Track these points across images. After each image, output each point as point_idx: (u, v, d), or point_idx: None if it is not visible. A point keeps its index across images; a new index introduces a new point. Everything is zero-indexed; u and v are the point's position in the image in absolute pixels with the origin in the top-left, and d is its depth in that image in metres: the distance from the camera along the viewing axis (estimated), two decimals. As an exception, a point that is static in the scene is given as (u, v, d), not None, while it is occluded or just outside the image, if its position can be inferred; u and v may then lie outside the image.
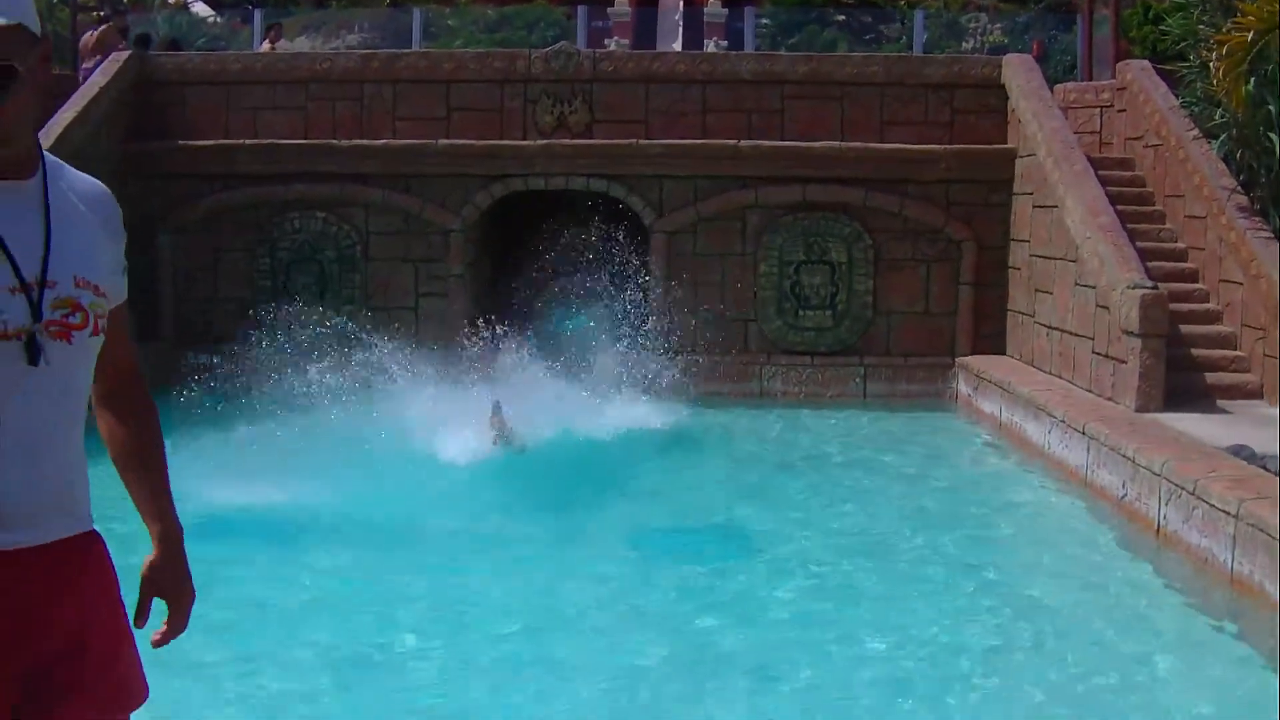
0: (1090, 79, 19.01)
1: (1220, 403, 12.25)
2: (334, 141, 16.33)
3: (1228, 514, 8.44)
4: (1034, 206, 15.03)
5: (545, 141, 16.29)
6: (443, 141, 16.25)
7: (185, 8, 34.74)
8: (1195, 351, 12.89)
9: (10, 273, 2.62)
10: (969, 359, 15.68)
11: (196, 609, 3.10)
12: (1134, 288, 12.21)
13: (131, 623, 2.95)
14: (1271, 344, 12.24)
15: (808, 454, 13.34)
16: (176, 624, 3.04)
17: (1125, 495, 10.24)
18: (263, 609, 8.18)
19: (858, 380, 16.06)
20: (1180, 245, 14.32)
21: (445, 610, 8.20)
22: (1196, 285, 13.79)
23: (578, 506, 10.57)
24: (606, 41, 29.29)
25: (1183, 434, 10.71)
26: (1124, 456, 10.34)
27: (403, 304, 16.47)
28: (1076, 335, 13.53)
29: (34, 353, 2.62)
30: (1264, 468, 9.31)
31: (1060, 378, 13.85)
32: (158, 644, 3.02)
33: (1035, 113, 15.24)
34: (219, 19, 32.81)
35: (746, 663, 7.25)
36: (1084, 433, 11.35)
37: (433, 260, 16.44)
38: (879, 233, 16.14)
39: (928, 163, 15.94)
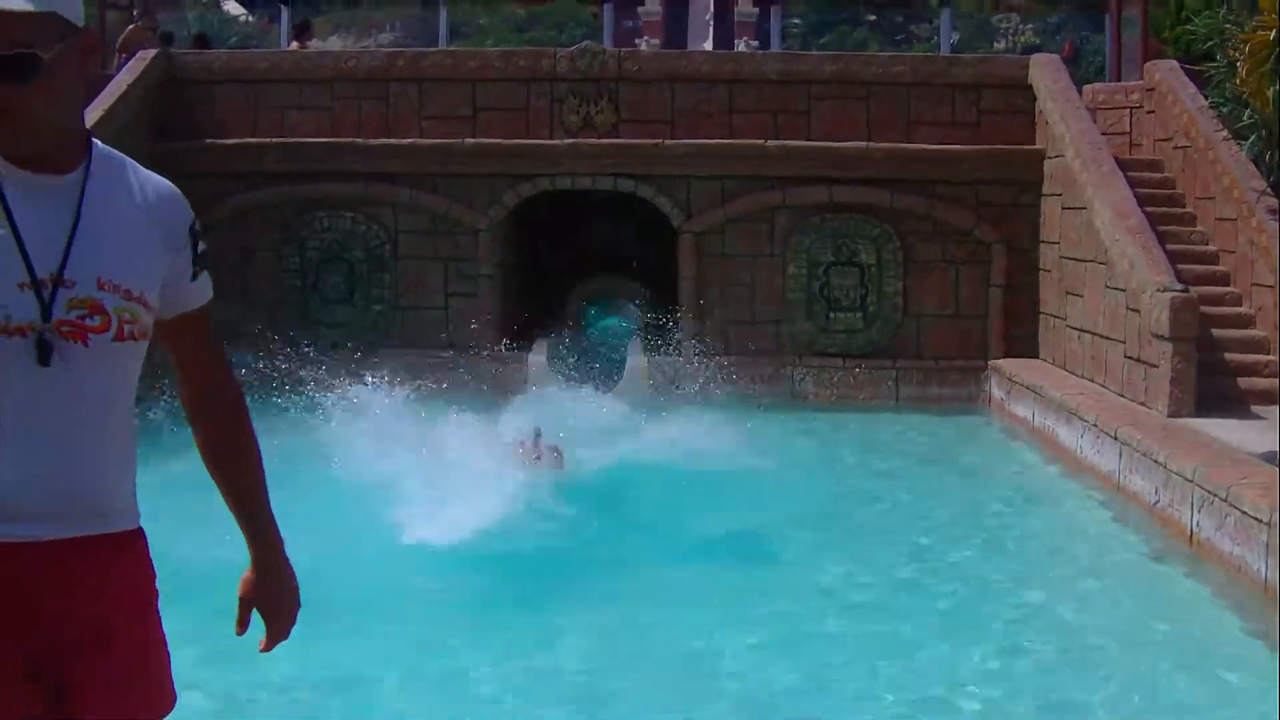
0: (1119, 79, 18.86)
1: (1253, 408, 12.11)
2: (361, 140, 16.31)
3: (1260, 521, 8.33)
4: (1063, 208, 14.91)
5: (572, 141, 16.24)
6: (469, 141, 16.22)
7: (217, 5, 34.85)
8: (1228, 356, 12.75)
9: (22, 268, 2.54)
10: (1001, 362, 15.57)
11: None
12: (1164, 291, 12.08)
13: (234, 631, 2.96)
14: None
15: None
16: (276, 635, 3.00)
17: (1158, 502, 10.13)
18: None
19: (890, 383, 15.96)
20: (1211, 248, 14.18)
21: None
22: (1228, 289, 13.65)
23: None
24: (636, 41, 29.30)
25: (1215, 439, 10.59)
26: (1156, 462, 10.24)
27: (432, 303, 16.45)
28: (1108, 338, 13.41)
29: (44, 352, 2.54)
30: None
31: (1093, 381, 13.74)
32: (262, 651, 3.00)
33: (1062, 113, 15.12)
34: (250, 18, 32.92)
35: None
36: (1116, 438, 11.25)
37: (462, 259, 16.41)
38: (908, 234, 16.05)
39: (955, 163, 15.84)
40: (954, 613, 8.39)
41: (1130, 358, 12.76)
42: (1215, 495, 9.05)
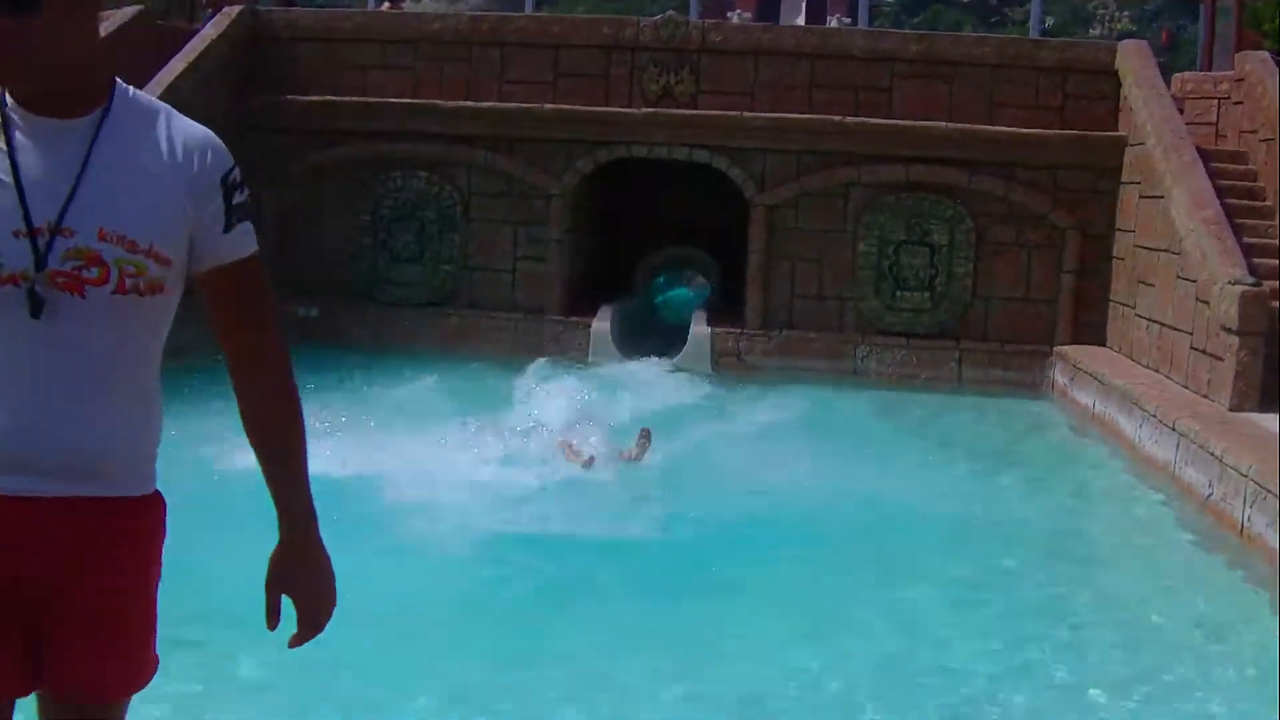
0: (1210, 69, 18.55)
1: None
2: (439, 102, 16.42)
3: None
4: (1140, 196, 14.70)
5: (650, 110, 16.23)
6: (549, 106, 16.27)
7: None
8: (1297, 351, 12.53)
9: (19, 215, 2.43)
10: (1067, 348, 15.41)
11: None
12: (1234, 283, 11.89)
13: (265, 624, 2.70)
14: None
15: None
16: (308, 627, 2.74)
17: (1211, 495, 10.01)
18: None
19: (953, 364, 15.84)
20: (1290, 242, 13.93)
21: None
22: (1304, 284, 13.40)
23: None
24: (729, 14, 29.23)
25: (1275, 435, 10.43)
26: (1212, 455, 10.11)
27: (501, 266, 16.54)
28: (1176, 329, 13.23)
29: (35, 304, 2.43)
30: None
31: (1158, 372, 13.56)
32: (291, 646, 2.76)
33: (1146, 100, 14.90)
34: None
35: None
36: (1174, 429, 11.11)
37: (533, 224, 16.48)
38: (982, 216, 15.90)
39: (1036, 146, 15.67)
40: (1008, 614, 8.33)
41: (1197, 349, 12.58)
42: (1269, 491, 8.93)
